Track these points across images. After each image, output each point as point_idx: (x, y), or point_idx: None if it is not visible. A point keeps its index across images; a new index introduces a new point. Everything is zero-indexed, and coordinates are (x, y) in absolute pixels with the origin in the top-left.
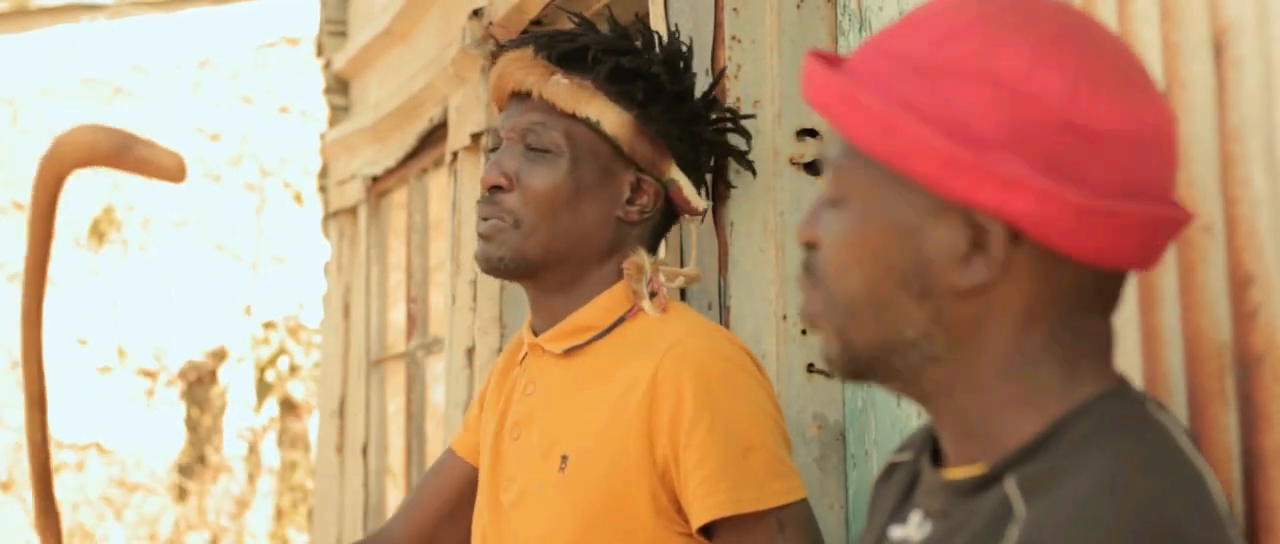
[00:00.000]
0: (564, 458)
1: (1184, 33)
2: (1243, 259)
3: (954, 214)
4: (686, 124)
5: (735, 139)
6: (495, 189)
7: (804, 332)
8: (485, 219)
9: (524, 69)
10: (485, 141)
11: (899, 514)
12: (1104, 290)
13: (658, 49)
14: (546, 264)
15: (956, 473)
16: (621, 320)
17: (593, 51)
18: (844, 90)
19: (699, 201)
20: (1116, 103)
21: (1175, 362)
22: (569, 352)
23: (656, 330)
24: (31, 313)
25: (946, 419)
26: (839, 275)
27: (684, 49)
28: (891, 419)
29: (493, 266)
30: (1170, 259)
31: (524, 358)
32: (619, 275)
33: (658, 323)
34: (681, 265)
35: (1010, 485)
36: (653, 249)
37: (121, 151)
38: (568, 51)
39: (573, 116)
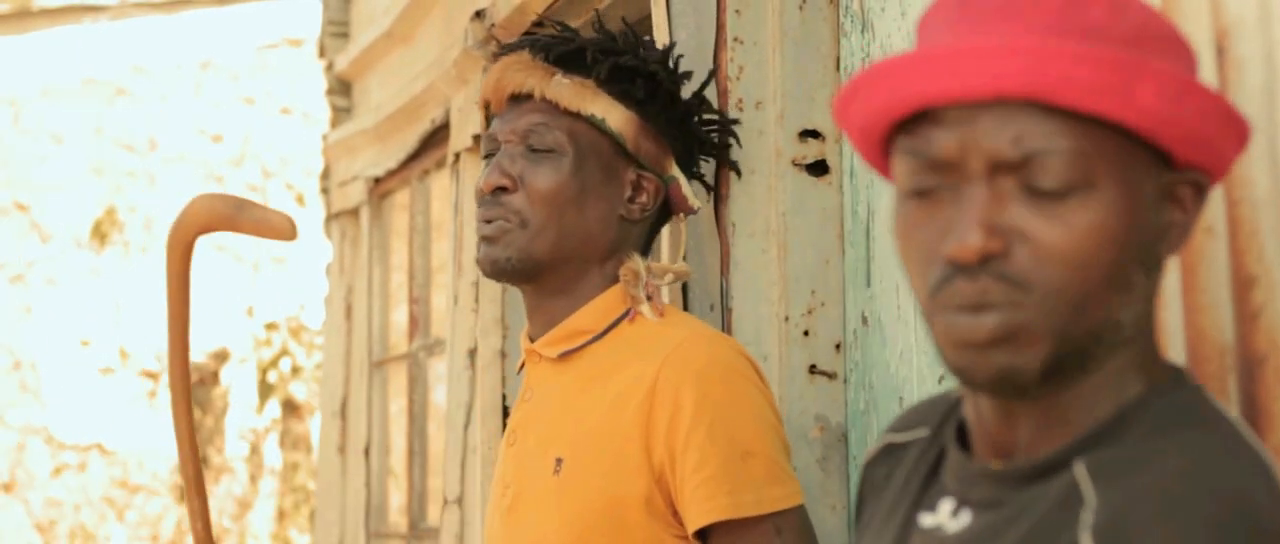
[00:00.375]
0: (558, 460)
1: (1186, 33)
2: (1245, 260)
3: (1162, 180)
4: (682, 122)
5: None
6: (499, 191)
7: (805, 333)
8: (489, 221)
9: (524, 71)
10: (482, 146)
11: (925, 502)
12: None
13: (648, 51)
14: (552, 265)
15: (1010, 462)
16: (617, 323)
17: (591, 52)
18: (1035, 49)
19: (695, 200)
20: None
21: (1178, 362)
22: (564, 356)
23: (656, 334)
24: (179, 384)
25: (1044, 407)
26: (1075, 268)
27: (675, 51)
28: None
29: (499, 268)
30: (1172, 260)
31: (521, 366)
32: (614, 278)
33: (657, 327)
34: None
35: (1079, 471)
36: (646, 250)
37: (237, 215)
38: (565, 52)
39: (576, 115)
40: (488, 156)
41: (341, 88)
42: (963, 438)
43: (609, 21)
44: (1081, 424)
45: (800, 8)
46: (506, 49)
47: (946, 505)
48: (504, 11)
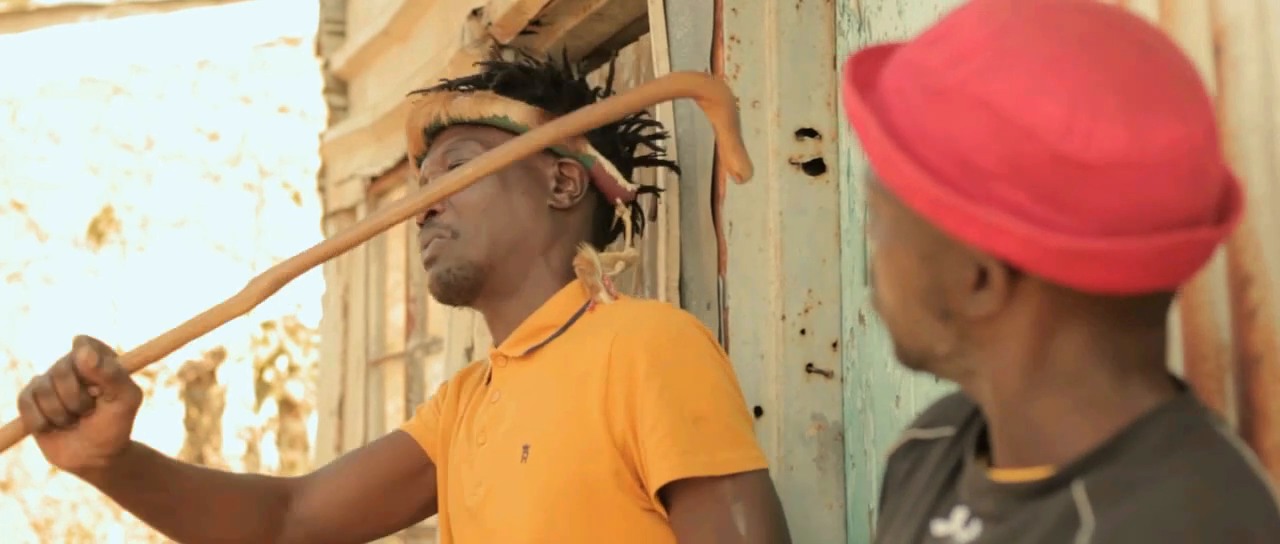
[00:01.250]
0: (525, 448)
1: (1183, 33)
2: (1242, 260)
3: (960, 247)
4: (576, 97)
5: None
6: (429, 217)
7: (802, 332)
8: (425, 246)
9: (427, 105)
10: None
11: (941, 508)
12: (1141, 305)
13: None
14: (491, 267)
15: (1012, 475)
16: (578, 315)
17: (486, 69)
18: (859, 115)
19: (625, 183)
20: (1120, 126)
21: (1175, 361)
22: (530, 353)
23: (610, 314)
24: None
25: (997, 423)
26: (880, 287)
27: (671, 49)
28: (890, 419)
29: (444, 284)
30: None
31: (489, 378)
32: (567, 273)
33: (612, 309)
34: (682, 261)
35: (1078, 493)
36: (598, 242)
37: (732, 121)
38: (463, 80)
39: (481, 123)
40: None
41: (338, 86)
42: (984, 444)
43: (606, 21)
44: (1068, 445)
45: (797, 7)
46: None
47: (960, 515)
48: (501, 10)
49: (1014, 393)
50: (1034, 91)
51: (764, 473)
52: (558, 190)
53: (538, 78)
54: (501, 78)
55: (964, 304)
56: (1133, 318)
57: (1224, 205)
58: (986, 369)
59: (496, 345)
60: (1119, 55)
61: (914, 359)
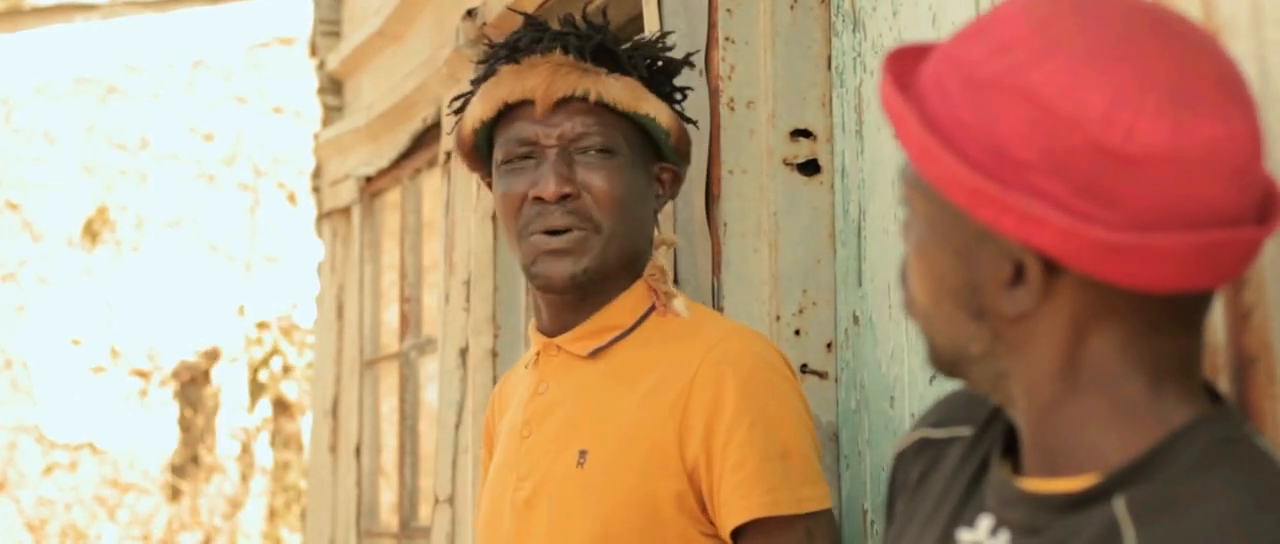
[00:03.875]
0: (583, 453)
1: None
2: None
3: (996, 241)
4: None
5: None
6: (564, 197)
7: (797, 332)
8: (559, 231)
9: (575, 73)
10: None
11: (965, 516)
12: (1177, 308)
13: (649, 42)
14: (616, 271)
15: (1045, 485)
16: (644, 318)
17: (626, 52)
18: (896, 107)
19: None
20: (1161, 121)
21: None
22: (594, 353)
23: (691, 331)
24: None
25: (1028, 430)
26: (912, 285)
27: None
28: (884, 421)
29: (573, 281)
30: None
31: (536, 359)
32: (635, 272)
33: (689, 324)
34: (676, 261)
35: (1119, 507)
36: None
37: None
38: (597, 50)
39: (625, 115)
40: (516, 161)
41: (333, 86)
42: (1007, 447)
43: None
44: (1103, 455)
45: (791, 7)
46: (526, 47)
47: (985, 522)
48: (495, 10)
49: (1047, 397)
50: (1075, 83)
51: (832, 512)
52: (659, 195)
53: (667, 73)
54: (648, 68)
55: (999, 302)
56: (1168, 321)
57: (1266, 207)
58: (1019, 372)
59: (550, 334)
60: (1163, 52)
61: (947, 361)
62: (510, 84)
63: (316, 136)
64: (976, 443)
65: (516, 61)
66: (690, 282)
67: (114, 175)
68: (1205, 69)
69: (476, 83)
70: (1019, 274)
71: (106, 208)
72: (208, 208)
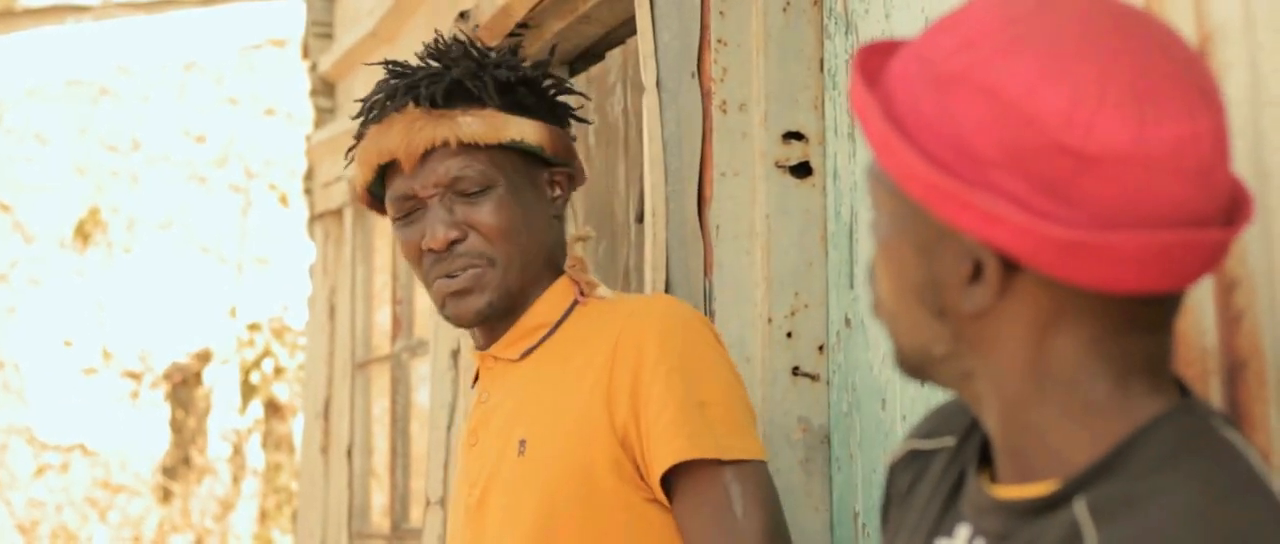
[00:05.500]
0: (522, 442)
1: None
2: (1227, 264)
3: (957, 239)
4: (553, 102)
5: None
6: (452, 244)
7: (789, 335)
8: (453, 275)
9: (430, 124)
10: (393, 208)
11: (944, 526)
12: (1144, 308)
13: (501, 55)
14: (522, 288)
15: (1014, 492)
16: (570, 311)
17: (469, 80)
18: (862, 102)
19: (583, 167)
20: (1124, 120)
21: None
22: (525, 355)
23: (613, 308)
24: None
25: (998, 435)
26: (879, 283)
27: (657, 51)
28: (876, 423)
29: (480, 316)
30: None
31: (475, 380)
32: (556, 271)
33: (611, 303)
34: (668, 264)
35: (1080, 509)
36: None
37: None
38: (447, 90)
39: (494, 146)
40: (406, 216)
41: (325, 88)
42: (986, 456)
43: (594, 23)
44: (1069, 457)
45: (784, 10)
46: (380, 112)
47: (963, 532)
48: (488, 13)
49: (1013, 398)
50: (1039, 79)
51: (764, 465)
52: (553, 199)
53: (520, 84)
54: (496, 89)
55: (958, 299)
56: (1134, 321)
57: (1232, 210)
58: (984, 372)
59: (484, 347)
60: (1129, 50)
61: (913, 362)
62: (375, 146)
63: (308, 138)
64: (958, 453)
65: (378, 121)
66: (682, 284)
67: (106, 177)
68: (1171, 68)
69: (356, 140)
70: (977, 271)
71: (98, 209)
72: (199, 209)
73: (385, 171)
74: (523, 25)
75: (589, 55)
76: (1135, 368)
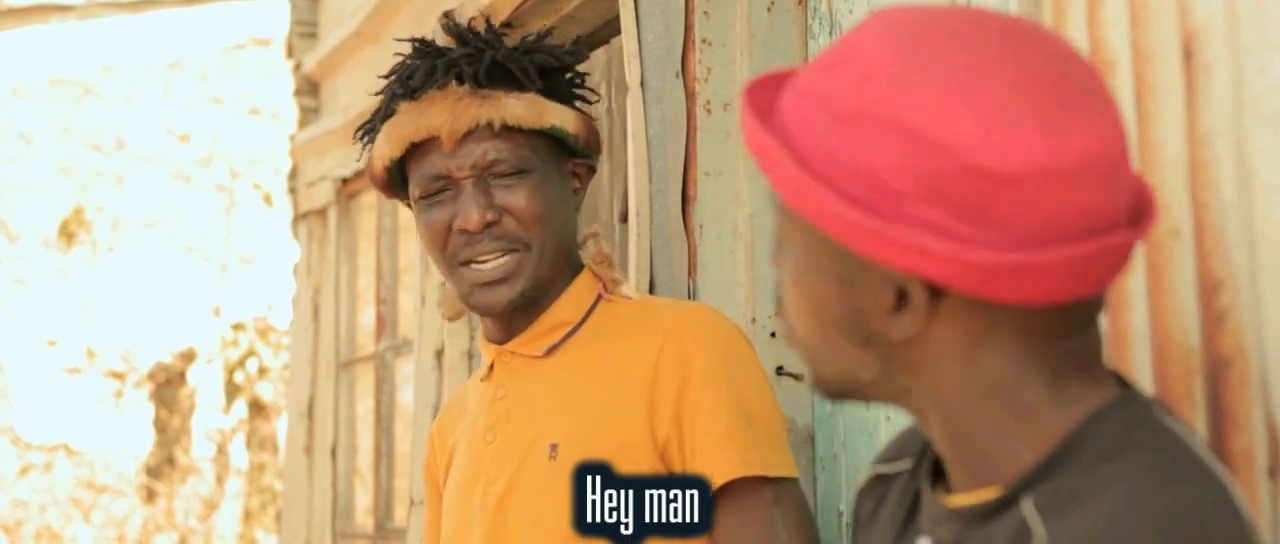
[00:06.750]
0: (554, 446)
1: (1153, 38)
2: (1211, 263)
3: (877, 269)
4: (580, 91)
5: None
6: (489, 225)
7: (773, 334)
8: (488, 259)
9: (476, 104)
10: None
11: (904, 540)
12: (1067, 314)
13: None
14: (550, 282)
15: (965, 499)
16: (593, 308)
17: (516, 64)
18: (765, 145)
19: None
20: (1034, 138)
21: (1144, 365)
22: (549, 351)
23: (646, 314)
24: None
25: (941, 444)
26: (792, 315)
27: (642, 51)
28: (860, 423)
29: (512, 306)
30: (1139, 262)
31: (490, 370)
32: (577, 266)
33: (641, 307)
34: (652, 263)
35: (1027, 508)
36: None
37: None
38: (488, 69)
39: (533, 131)
40: (434, 195)
41: (309, 88)
42: (937, 469)
43: (578, 23)
44: (1014, 460)
45: (768, 10)
46: (422, 81)
47: None
48: (472, 12)
49: (953, 410)
50: (945, 106)
51: (799, 483)
52: (576, 191)
53: (555, 71)
54: (539, 75)
55: (885, 328)
56: (1061, 326)
57: (1137, 208)
58: (921, 388)
59: (501, 341)
60: (1027, 64)
61: (835, 389)
62: (413, 122)
63: (293, 138)
64: (915, 471)
65: (414, 98)
66: (666, 283)
67: (90, 176)
68: (1067, 79)
69: (378, 119)
70: (902, 300)
71: (82, 209)
72: (184, 209)
73: (408, 153)
74: (507, 25)
75: (572, 56)
76: (1069, 367)
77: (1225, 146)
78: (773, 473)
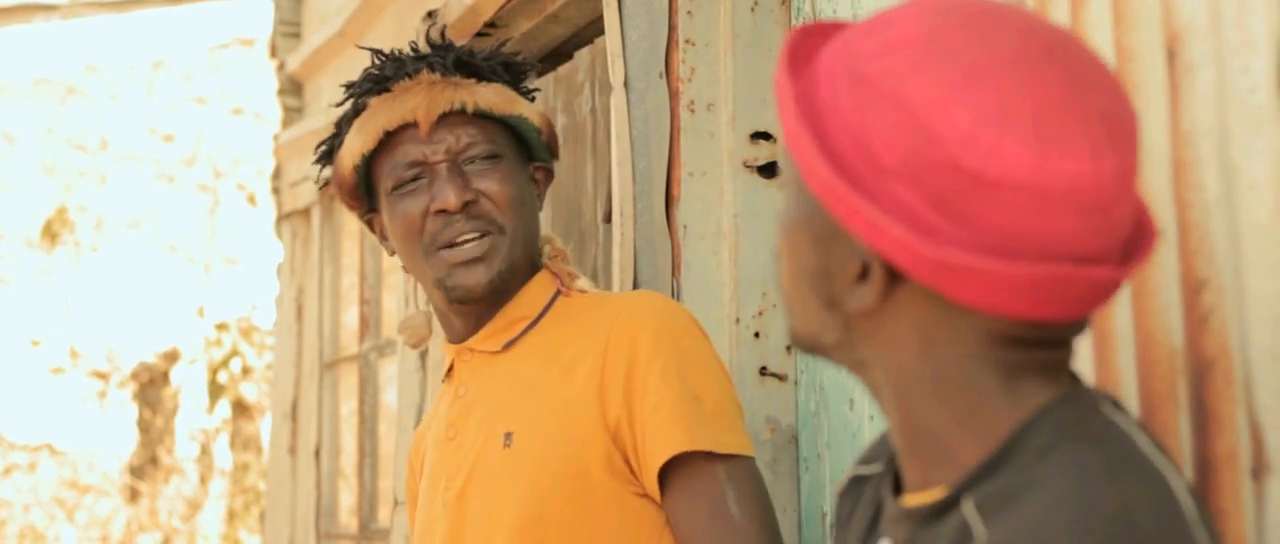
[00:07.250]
0: (508, 435)
1: (1137, 37)
2: (1195, 263)
3: (849, 238)
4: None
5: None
6: (467, 205)
7: (756, 335)
8: (465, 240)
9: (450, 89)
10: (394, 173)
11: (869, 540)
12: (1032, 329)
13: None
14: (515, 274)
15: (915, 500)
16: (552, 304)
17: (481, 58)
18: (781, 88)
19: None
20: (1024, 149)
21: (1128, 365)
22: (508, 346)
23: (599, 302)
24: None
25: (895, 433)
26: (779, 259)
27: (627, 52)
28: (844, 423)
29: (492, 286)
30: None
31: (450, 371)
32: (531, 263)
33: (596, 298)
34: (636, 263)
35: (968, 508)
36: None
37: None
38: (456, 61)
39: (500, 120)
40: (409, 183)
41: (293, 88)
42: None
43: (561, 23)
44: (961, 459)
45: (752, 10)
46: (394, 74)
47: None
48: (456, 12)
49: (906, 395)
50: (946, 98)
51: (754, 461)
52: (537, 194)
53: (516, 68)
54: (504, 69)
55: (846, 295)
56: (1022, 340)
57: (1132, 246)
58: (877, 363)
59: (460, 340)
60: (1044, 79)
61: (805, 343)
62: (388, 111)
63: (276, 138)
64: (883, 477)
65: (387, 89)
66: (650, 284)
67: (73, 176)
68: (1082, 104)
69: (344, 122)
70: (865, 272)
71: (66, 208)
72: (167, 209)
73: (380, 146)
74: (491, 25)
75: (557, 55)
76: (1025, 369)
77: (1209, 146)
78: (723, 449)
